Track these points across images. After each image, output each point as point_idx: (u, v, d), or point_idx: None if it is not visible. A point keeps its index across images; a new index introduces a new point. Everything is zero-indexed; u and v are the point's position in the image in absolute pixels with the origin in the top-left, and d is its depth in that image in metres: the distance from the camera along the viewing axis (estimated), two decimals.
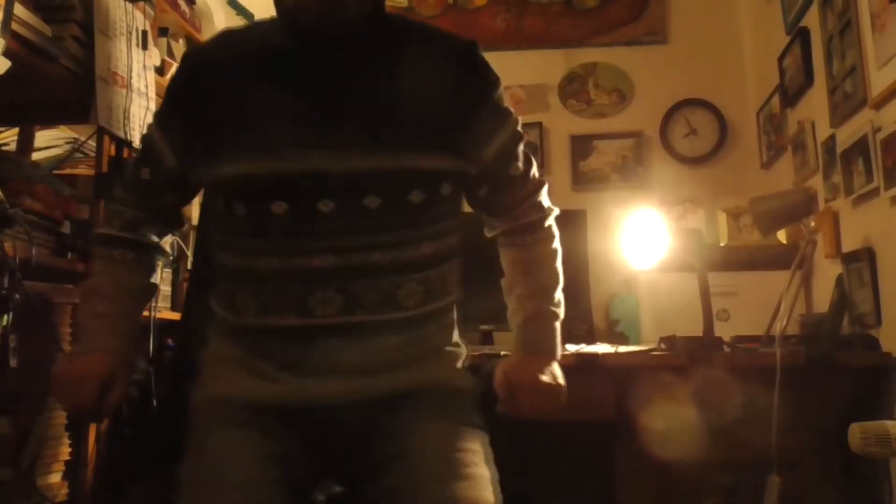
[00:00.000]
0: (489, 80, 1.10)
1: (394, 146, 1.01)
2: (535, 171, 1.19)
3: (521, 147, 1.15)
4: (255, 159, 1.00)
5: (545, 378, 1.05)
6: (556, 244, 1.20)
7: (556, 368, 1.09)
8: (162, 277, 2.02)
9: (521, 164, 1.15)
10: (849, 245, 1.97)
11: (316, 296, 1.00)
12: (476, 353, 1.49)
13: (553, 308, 1.15)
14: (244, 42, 1.10)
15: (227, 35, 1.16)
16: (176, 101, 1.10)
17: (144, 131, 1.23)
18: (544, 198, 1.20)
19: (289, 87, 1.03)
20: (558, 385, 1.07)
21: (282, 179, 1.00)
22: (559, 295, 1.17)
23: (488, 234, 1.24)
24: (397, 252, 1.02)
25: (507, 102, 1.13)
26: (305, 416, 1.02)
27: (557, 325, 1.15)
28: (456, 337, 1.16)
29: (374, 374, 1.03)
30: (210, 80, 1.06)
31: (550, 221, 1.20)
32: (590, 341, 2.15)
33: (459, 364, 1.14)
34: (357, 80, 1.03)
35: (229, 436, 0.99)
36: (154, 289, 1.19)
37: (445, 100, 1.05)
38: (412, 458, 0.97)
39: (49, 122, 1.98)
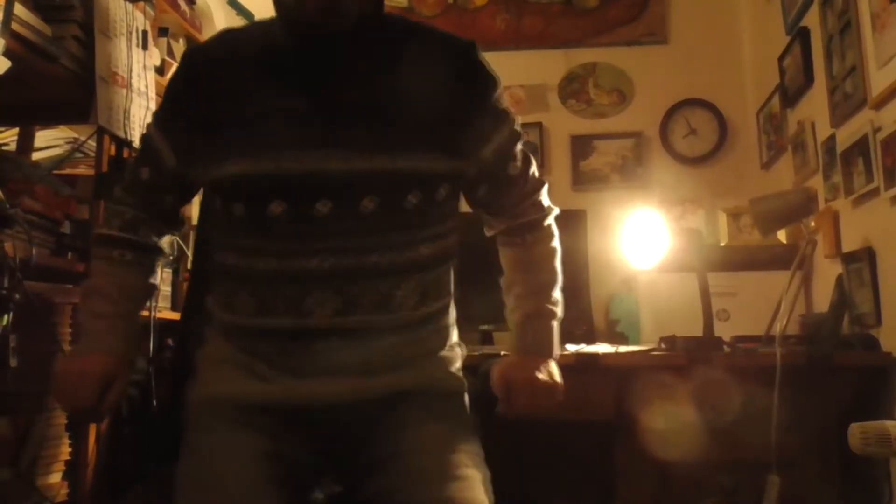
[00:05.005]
0: (488, 80, 1.10)
1: (391, 147, 1.01)
2: (533, 170, 1.19)
3: (518, 147, 1.16)
4: (253, 159, 1.00)
5: (542, 376, 1.06)
6: (556, 243, 1.21)
7: (553, 367, 1.10)
8: (162, 277, 2.03)
9: (519, 164, 1.16)
10: (849, 245, 1.97)
11: (313, 296, 1.00)
12: (476, 353, 1.49)
13: (551, 307, 1.16)
14: (244, 41, 1.10)
15: (228, 34, 1.16)
16: (175, 101, 1.10)
17: (144, 131, 1.24)
18: (544, 197, 1.21)
19: (288, 87, 1.03)
20: (555, 383, 1.07)
21: (280, 180, 1.00)
22: (558, 294, 1.18)
23: (488, 232, 1.24)
24: (394, 254, 1.03)
25: (506, 102, 1.13)
26: (303, 417, 1.02)
27: (556, 324, 1.16)
28: (453, 338, 1.16)
29: (370, 375, 1.03)
30: (210, 79, 1.06)
31: (550, 220, 1.21)
32: (590, 341, 2.15)
33: (456, 366, 1.14)
34: (356, 81, 1.04)
35: (226, 435, 0.99)
36: (153, 289, 1.19)
37: (444, 101, 1.05)
38: (407, 458, 0.98)
39: (49, 122, 1.99)
